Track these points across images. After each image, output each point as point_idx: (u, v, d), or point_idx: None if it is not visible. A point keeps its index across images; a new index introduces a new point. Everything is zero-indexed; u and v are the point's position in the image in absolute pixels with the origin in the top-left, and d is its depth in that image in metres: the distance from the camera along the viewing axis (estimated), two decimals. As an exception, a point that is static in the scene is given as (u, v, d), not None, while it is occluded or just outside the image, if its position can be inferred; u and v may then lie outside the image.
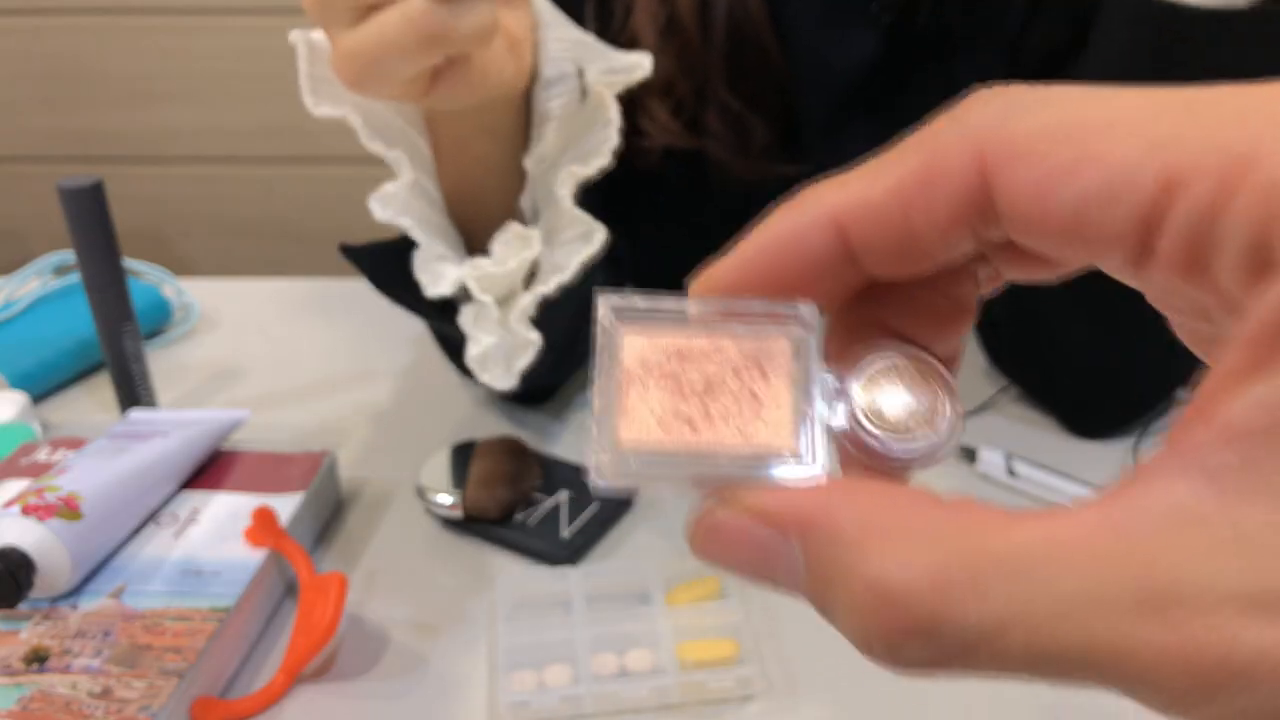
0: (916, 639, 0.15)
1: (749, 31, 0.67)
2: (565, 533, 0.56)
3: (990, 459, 0.61)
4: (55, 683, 0.44)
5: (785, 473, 0.18)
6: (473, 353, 0.56)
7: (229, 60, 1.53)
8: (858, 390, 0.19)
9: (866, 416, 0.19)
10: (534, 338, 0.55)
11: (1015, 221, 0.17)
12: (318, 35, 0.55)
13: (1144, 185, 0.15)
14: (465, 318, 0.57)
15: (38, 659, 0.46)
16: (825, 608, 0.16)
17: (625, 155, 0.75)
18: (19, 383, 0.69)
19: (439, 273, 0.55)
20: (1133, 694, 0.14)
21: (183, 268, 0.88)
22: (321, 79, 0.54)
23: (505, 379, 0.56)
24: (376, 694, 0.47)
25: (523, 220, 0.60)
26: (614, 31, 0.70)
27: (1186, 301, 0.17)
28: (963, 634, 0.14)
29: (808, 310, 0.19)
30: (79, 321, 0.71)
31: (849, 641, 0.16)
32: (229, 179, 1.63)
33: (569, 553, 0.55)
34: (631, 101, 0.73)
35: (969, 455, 0.62)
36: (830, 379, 0.19)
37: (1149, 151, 0.15)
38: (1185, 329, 0.19)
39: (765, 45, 0.67)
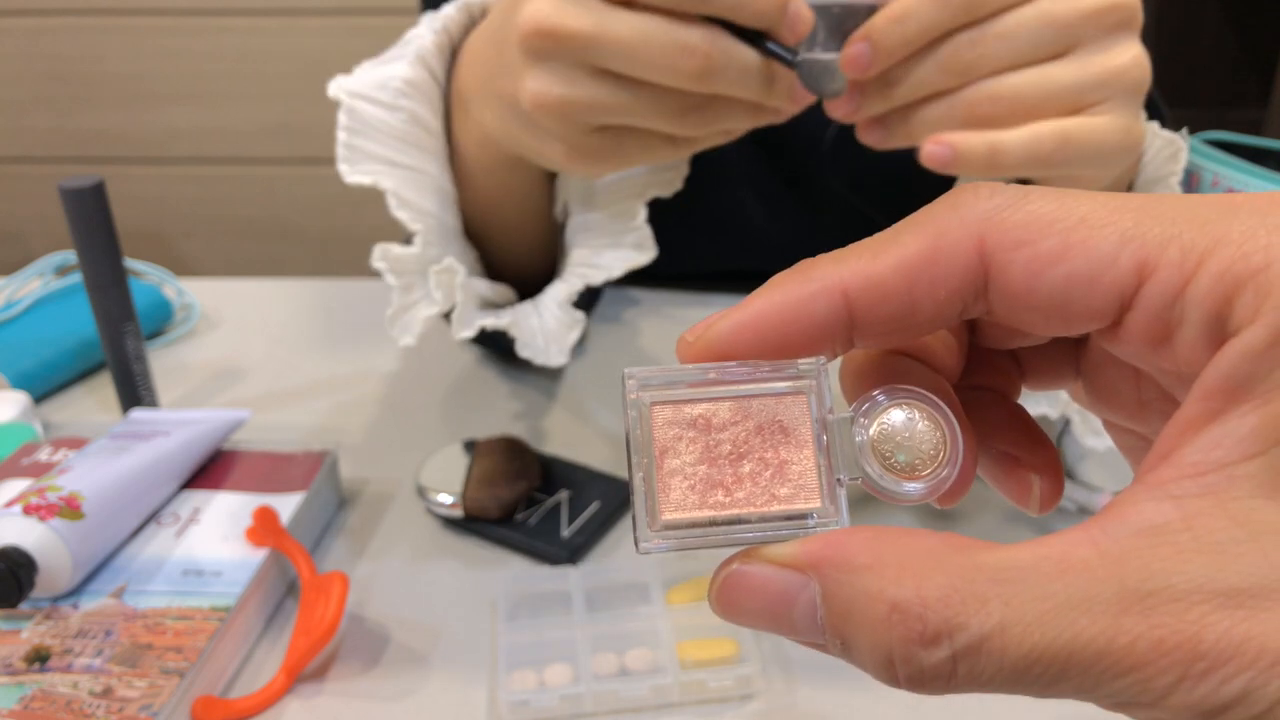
0: (931, 647, 0.17)
1: None
2: (565, 532, 0.56)
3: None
4: (56, 682, 0.45)
5: (813, 530, 0.20)
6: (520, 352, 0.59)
7: (229, 60, 1.53)
8: (866, 439, 0.21)
9: (876, 462, 0.21)
10: (578, 316, 0.59)
11: (1008, 298, 0.20)
12: (356, 86, 0.55)
13: (1120, 270, 0.18)
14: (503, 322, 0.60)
15: (39, 658, 0.46)
16: (844, 635, 0.18)
17: None
18: (20, 383, 0.69)
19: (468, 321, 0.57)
20: (1109, 690, 0.16)
21: (184, 268, 0.88)
22: (357, 148, 0.55)
23: (559, 356, 0.58)
24: (376, 694, 0.48)
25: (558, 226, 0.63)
26: None
27: (1149, 368, 0.20)
28: (968, 638, 0.16)
29: (811, 365, 0.21)
30: (80, 321, 0.71)
31: (866, 665, 0.18)
32: (229, 179, 1.63)
33: (569, 552, 0.55)
34: None
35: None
36: (840, 429, 0.21)
37: (1121, 243, 0.18)
38: (1118, 437, 0.24)
39: None
